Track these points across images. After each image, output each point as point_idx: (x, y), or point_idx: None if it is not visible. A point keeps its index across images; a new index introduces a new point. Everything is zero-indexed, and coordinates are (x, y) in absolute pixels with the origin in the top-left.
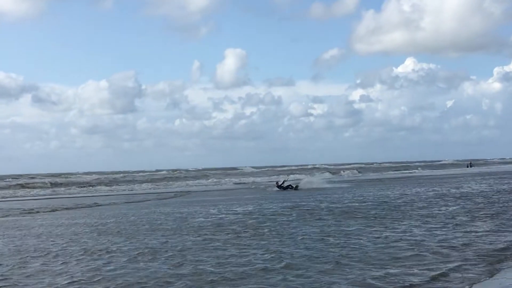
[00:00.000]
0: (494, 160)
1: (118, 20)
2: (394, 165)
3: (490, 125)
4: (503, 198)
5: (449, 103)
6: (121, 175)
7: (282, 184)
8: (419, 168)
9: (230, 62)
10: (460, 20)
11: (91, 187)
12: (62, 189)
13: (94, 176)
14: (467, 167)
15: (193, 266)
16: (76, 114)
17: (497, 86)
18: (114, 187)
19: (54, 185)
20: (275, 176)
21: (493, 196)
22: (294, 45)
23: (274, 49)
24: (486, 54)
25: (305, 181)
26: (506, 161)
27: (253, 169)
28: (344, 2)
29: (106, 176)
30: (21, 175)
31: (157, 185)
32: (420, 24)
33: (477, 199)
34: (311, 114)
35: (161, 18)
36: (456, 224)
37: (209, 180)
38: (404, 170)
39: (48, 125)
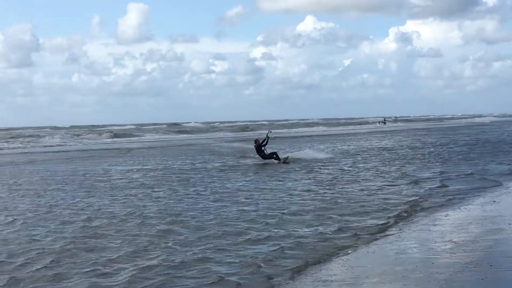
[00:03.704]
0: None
1: None
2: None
3: (385, 84)
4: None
5: (347, 62)
6: (30, 130)
7: (263, 143)
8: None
9: (132, 17)
10: None
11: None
12: None
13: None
14: (379, 123)
15: None
16: None
17: (392, 46)
18: (30, 142)
19: None
20: (221, 133)
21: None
22: (199, 2)
23: (178, 6)
24: (384, 14)
25: (303, 152)
26: (408, 119)
27: (200, 125)
28: None
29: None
30: None
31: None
32: None
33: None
34: (213, 71)
35: None
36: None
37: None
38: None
39: None
